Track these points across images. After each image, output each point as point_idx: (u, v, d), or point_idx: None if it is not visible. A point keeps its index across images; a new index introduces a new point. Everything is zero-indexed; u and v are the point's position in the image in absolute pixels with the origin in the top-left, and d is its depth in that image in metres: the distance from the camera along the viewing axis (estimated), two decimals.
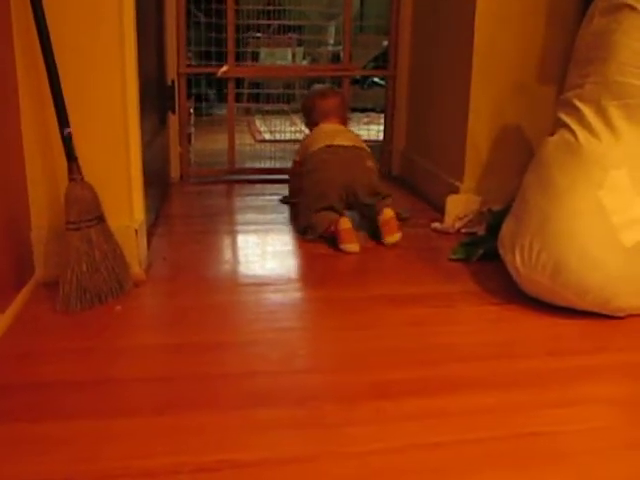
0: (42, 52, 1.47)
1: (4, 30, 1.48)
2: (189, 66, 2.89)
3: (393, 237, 2.01)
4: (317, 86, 2.72)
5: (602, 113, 1.53)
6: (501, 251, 1.64)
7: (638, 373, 1.30)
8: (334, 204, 2.03)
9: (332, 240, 2.01)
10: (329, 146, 2.13)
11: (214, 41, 3.26)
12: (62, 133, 1.50)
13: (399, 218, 2.09)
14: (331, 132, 2.24)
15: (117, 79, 1.60)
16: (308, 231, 2.07)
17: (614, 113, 1.52)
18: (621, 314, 1.51)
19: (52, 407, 1.13)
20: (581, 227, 1.47)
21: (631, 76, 1.52)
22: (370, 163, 2.14)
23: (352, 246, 1.95)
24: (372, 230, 2.09)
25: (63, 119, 1.50)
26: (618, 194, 1.48)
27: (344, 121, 2.40)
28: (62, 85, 1.50)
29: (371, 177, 2.10)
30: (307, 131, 2.49)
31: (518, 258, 1.55)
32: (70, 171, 1.51)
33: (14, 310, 1.46)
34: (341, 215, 2.02)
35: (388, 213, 2.03)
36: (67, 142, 1.51)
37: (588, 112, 1.55)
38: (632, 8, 1.53)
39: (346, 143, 2.15)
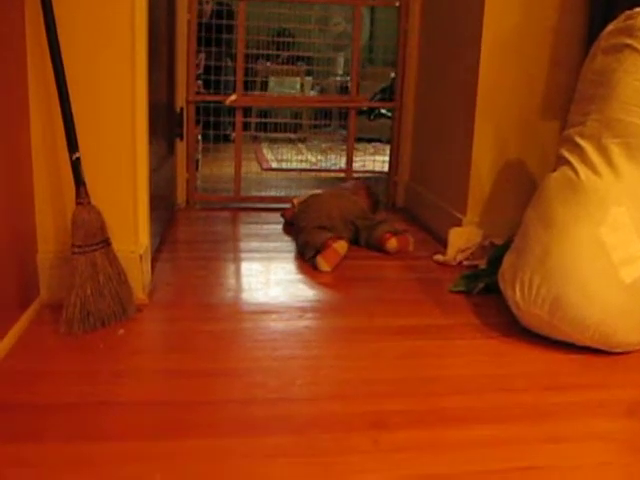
0: (55, 78, 1.50)
1: (18, 56, 1.52)
2: (198, 94, 2.94)
3: (390, 243, 2.23)
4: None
5: (603, 150, 1.55)
6: (501, 285, 1.65)
7: (635, 410, 1.31)
8: (336, 225, 2.24)
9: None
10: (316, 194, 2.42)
11: (224, 70, 3.31)
12: (71, 158, 1.53)
13: (396, 232, 2.29)
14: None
15: (127, 105, 1.63)
16: (306, 248, 2.15)
17: (614, 151, 1.54)
18: (619, 350, 1.51)
19: (50, 428, 1.14)
20: (581, 263, 1.48)
21: (632, 115, 1.54)
22: (355, 197, 2.43)
23: (326, 265, 2.04)
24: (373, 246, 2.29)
25: (73, 144, 1.53)
26: (618, 231, 1.49)
27: None
28: (72, 110, 1.52)
29: (361, 206, 2.38)
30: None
31: (518, 292, 1.56)
32: (78, 195, 1.54)
33: (18, 330, 1.47)
34: (342, 237, 2.14)
35: (381, 228, 2.28)
36: (75, 167, 1.53)
37: (589, 149, 1.57)
38: (633, 48, 1.57)
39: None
